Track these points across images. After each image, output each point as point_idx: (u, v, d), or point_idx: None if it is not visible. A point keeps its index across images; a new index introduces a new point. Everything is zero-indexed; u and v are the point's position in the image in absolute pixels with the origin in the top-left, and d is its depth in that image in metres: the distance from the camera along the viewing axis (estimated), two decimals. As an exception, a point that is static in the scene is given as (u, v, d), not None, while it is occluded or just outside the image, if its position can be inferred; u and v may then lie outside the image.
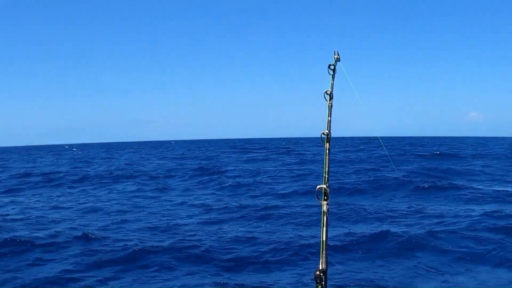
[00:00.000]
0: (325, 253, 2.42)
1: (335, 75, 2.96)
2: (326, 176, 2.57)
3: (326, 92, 2.77)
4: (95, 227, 10.89)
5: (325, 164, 2.60)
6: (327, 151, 2.63)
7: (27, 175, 26.35)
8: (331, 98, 2.75)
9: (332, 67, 2.92)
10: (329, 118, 2.71)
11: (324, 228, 2.48)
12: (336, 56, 2.97)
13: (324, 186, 2.51)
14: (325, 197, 2.51)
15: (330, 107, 2.74)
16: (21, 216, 12.55)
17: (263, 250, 8.65)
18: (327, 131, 2.64)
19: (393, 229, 10.02)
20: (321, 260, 2.42)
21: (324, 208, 2.50)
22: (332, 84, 2.83)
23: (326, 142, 2.64)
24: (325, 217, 2.50)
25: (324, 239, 2.47)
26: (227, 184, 19.02)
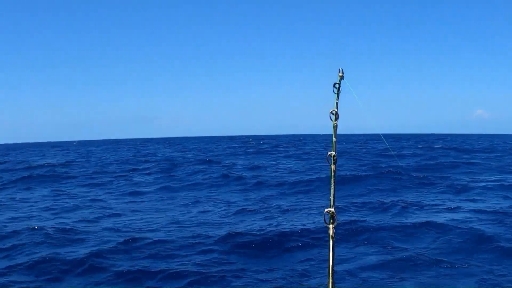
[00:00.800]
0: (332, 279, 2.38)
1: (340, 92, 2.90)
2: (332, 199, 2.52)
3: (331, 112, 2.70)
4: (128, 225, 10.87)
5: (332, 186, 2.56)
6: (333, 173, 2.58)
7: (32, 168, 26.42)
8: (336, 119, 2.69)
9: (337, 85, 2.85)
10: (334, 139, 2.65)
11: (331, 253, 2.44)
12: (340, 74, 2.89)
13: (332, 209, 2.47)
14: (332, 221, 2.47)
15: (336, 128, 2.68)
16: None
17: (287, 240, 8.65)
18: (333, 152, 2.58)
19: (394, 218, 10.24)
20: (328, 286, 2.38)
21: (331, 232, 2.46)
22: (337, 104, 2.76)
23: (332, 163, 2.58)
24: (331, 241, 2.46)
25: (331, 264, 2.43)
26: (237, 177, 19.02)
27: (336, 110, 2.70)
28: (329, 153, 2.59)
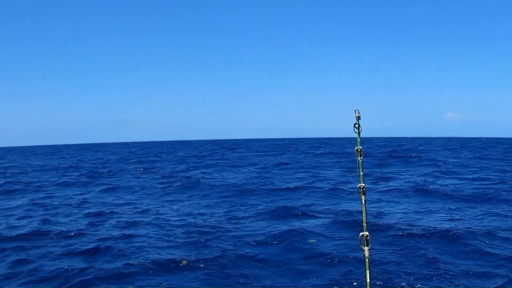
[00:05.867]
0: (372, 293, 2.70)
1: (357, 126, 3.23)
2: (365, 225, 2.85)
3: (356, 149, 3.03)
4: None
5: (363, 213, 2.88)
6: (364, 202, 2.91)
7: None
8: (361, 155, 3.02)
9: (356, 125, 3.16)
10: (361, 173, 2.98)
11: (367, 272, 2.76)
12: (357, 115, 3.18)
13: (366, 233, 2.79)
14: (366, 243, 2.80)
15: (361, 164, 3.01)
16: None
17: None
18: (362, 184, 2.92)
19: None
20: (368, 300, 2.69)
21: (366, 253, 2.78)
22: (359, 142, 3.08)
23: (362, 194, 2.91)
24: (367, 261, 2.78)
25: (368, 281, 2.75)
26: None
27: (360, 147, 3.04)
28: (358, 185, 2.93)
